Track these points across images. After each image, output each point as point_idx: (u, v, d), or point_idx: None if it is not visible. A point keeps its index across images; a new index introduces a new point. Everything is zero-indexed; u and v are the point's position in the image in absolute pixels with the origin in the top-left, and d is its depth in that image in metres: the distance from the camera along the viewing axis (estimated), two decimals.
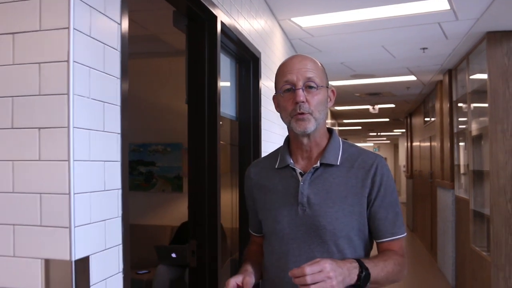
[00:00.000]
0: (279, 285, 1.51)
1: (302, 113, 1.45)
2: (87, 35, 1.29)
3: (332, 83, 6.97)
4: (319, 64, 1.54)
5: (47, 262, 1.22)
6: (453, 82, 6.14)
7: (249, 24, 3.07)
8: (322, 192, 1.48)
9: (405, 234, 1.55)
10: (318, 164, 1.50)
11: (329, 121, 9.54)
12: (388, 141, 24.32)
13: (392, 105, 9.83)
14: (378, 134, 19.51)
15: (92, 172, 1.32)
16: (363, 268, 1.34)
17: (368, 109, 9.64)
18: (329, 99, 1.56)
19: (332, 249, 1.45)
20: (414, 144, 10.99)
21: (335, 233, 1.45)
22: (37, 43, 1.24)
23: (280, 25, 4.18)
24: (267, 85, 3.53)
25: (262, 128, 3.35)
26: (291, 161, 1.55)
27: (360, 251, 1.50)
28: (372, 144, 25.61)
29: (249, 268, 1.54)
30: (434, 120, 7.59)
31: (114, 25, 1.45)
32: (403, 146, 17.32)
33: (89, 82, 1.30)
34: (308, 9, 3.77)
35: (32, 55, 1.24)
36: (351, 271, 1.32)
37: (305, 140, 1.53)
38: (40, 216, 1.23)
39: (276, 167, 1.59)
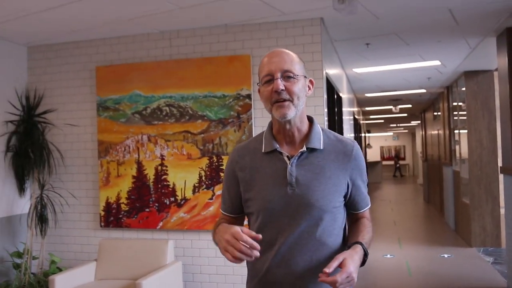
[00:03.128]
0: (264, 261, 1.66)
1: (282, 100, 1.60)
2: None
3: (368, 95, 10.11)
4: (296, 56, 1.68)
5: None
6: (449, 94, 9.19)
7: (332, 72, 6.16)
8: (309, 173, 1.65)
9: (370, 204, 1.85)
10: (305, 148, 1.67)
11: (359, 116, 12.45)
12: (406, 131, 27.09)
13: (409, 105, 12.85)
14: (398, 125, 22.45)
15: None
16: (365, 251, 1.60)
17: (391, 109, 12.69)
18: (307, 88, 1.70)
19: (318, 222, 1.63)
20: (428, 133, 13.98)
21: (322, 209, 1.63)
22: None
23: (345, 72, 7.28)
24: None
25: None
26: (277, 146, 1.70)
27: (339, 221, 1.71)
28: (391, 134, 28.46)
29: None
30: (440, 115, 10.61)
31: None
32: (419, 135, 20.21)
33: None
34: (360, 64, 6.85)
35: None
36: (360, 258, 1.57)
37: (287, 126, 1.68)
38: None
39: (263, 151, 1.73)
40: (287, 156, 1.68)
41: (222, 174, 4.40)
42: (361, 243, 1.60)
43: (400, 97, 10.69)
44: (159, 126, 4.66)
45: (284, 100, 1.60)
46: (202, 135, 4.53)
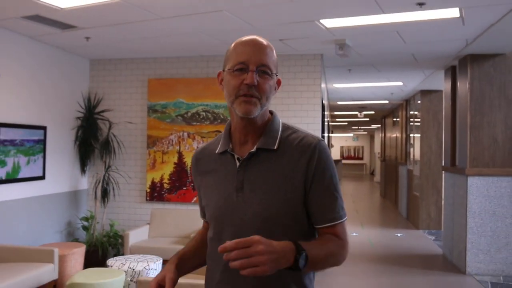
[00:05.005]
0: (215, 272, 1.49)
1: (250, 96, 1.41)
2: None
3: (340, 102, 11.91)
4: (275, 52, 1.48)
5: None
6: (408, 105, 11.12)
7: None
8: (258, 178, 1.45)
9: (345, 218, 1.48)
10: (254, 148, 1.46)
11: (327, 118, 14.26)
12: (365, 133, 29.31)
13: (373, 112, 14.79)
14: (359, 128, 24.55)
15: None
16: (299, 249, 1.28)
17: (357, 114, 14.60)
18: (275, 88, 1.51)
19: (267, 236, 1.28)
20: (387, 136, 15.97)
21: (270, 220, 1.41)
22: None
23: (327, 85, 9.02)
24: None
25: None
26: (230, 146, 1.51)
27: (299, 237, 1.37)
28: (352, 135, 30.65)
29: (174, 263, 1.54)
30: (398, 121, 12.55)
31: None
32: (378, 137, 22.23)
33: None
34: (340, 81, 8.58)
35: None
36: (287, 252, 1.26)
37: (244, 124, 1.47)
38: None
39: (216, 152, 1.55)
40: (238, 158, 1.49)
41: None
42: (296, 243, 1.30)
43: (366, 105, 12.57)
44: (196, 126, 6.25)
45: (252, 96, 1.41)
46: None
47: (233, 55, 1.46)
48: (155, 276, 1.50)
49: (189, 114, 6.28)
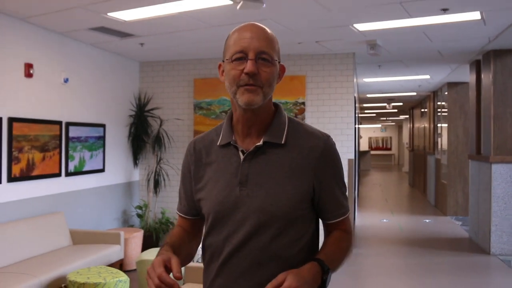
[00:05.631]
0: (214, 270, 1.45)
1: (252, 85, 1.35)
2: None
3: (370, 95, 12.35)
4: (275, 38, 1.43)
5: None
6: (435, 97, 11.50)
7: None
8: (264, 172, 1.40)
9: (349, 211, 1.52)
10: (261, 142, 1.41)
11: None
12: (393, 124, 29.49)
13: (401, 103, 15.16)
14: (387, 119, 24.83)
15: None
16: (324, 269, 1.32)
17: (385, 106, 14.98)
18: (278, 76, 1.46)
19: (273, 232, 1.36)
20: (415, 127, 16.30)
21: (277, 215, 1.37)
22: None
23: (357, 80, 9.48)
24: None
25: None
26: (233, 138, 1.46)
27: (304, 233, 1.43)
28: (380, 126, 30.86)
29: (170, 250, 1.39)
30: (426, 112, 12.92)
31: None
32: (406, 127, 22.47)
33: None
34: (370, 76, 9.04)
35: None
36: (315, 276, 1.29)
37: (248, 115, 1.42)
38: None
39: (218, 144, 1.49)
40: (242, 151, 1.44)
41: None
42: (318, 260, 1.33)
43: (394, 97, 12.98)
44: None
45: (254, 85, 1.36)
46: None
47: (231, 44, 1.41)
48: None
49: None
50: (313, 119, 6.54)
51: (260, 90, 1.37)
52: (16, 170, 4.82)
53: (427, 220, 9.27)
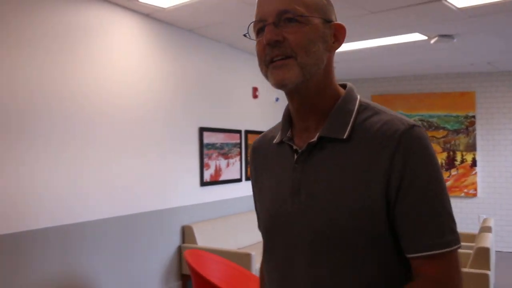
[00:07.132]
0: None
1: (279, 58, 1.00)
2: None
3: None
4: None
5: None
6: None
7: None
8: (319, 178, 1.02)
9: (456, 246, 0.95)
10: (316, 138, 1.04)
11: None
12: None
13: None
14: None
15: None
16: None
17: None
18: (331, 39, 1.04)
19: (332, 260, 0.98)
20: None
21: (334, 240, 0.98)
22: None
23: None
24: None
25: None
26: (289, 133, 1.12)
27: (378, 268, 0.97)
28: None
29: None
30: None
31: None
32: None
33: None
34: None
35: None
36: None
37: (295, 102, 1.08)
38: None
39: (274, 141, 1.17)
40: (296, 150, 1.08)
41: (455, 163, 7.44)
42: None
43: None
44: None
45: (283, 58, 0.99)
46: (443, 138, 7.57)
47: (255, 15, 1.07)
48: None
49: None
50: (483, 131, 7.30)
51: (293, 62, 1.00)
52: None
53: None
